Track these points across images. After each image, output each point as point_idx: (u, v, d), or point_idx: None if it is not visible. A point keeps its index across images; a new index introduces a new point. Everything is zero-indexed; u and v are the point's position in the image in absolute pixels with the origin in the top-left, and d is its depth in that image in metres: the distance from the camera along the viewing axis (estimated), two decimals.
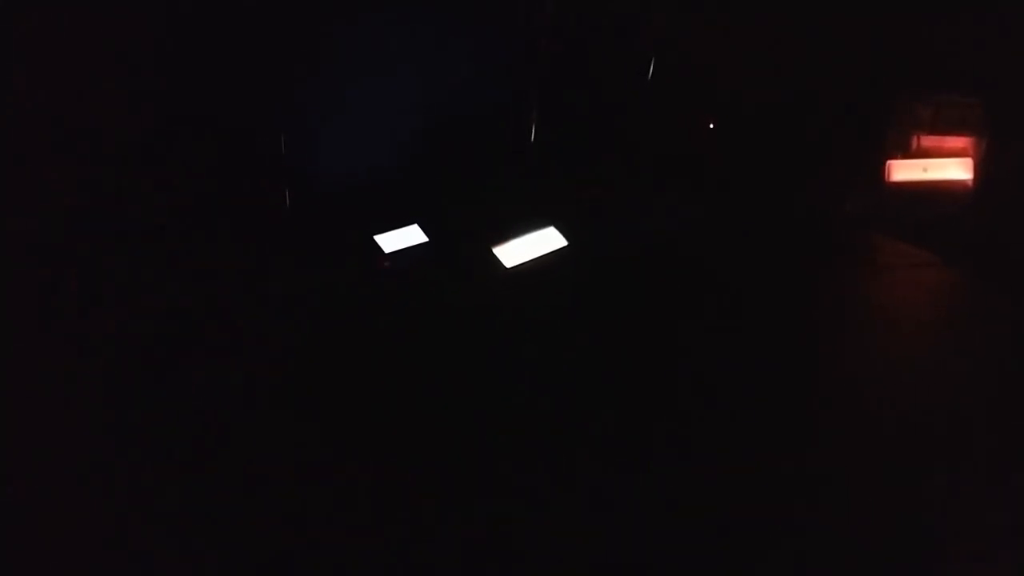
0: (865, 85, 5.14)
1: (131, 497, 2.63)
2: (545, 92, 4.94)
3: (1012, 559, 2.55)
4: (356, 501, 2.65)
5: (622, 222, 4.80)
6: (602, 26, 5.12)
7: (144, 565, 2.38)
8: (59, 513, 2.54)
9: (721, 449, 3.01)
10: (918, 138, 5.05)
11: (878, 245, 4.72)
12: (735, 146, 5.42)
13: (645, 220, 4.84)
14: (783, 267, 4.52)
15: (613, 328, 3.86)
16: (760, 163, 5.36)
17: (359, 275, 4.12)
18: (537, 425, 3.12)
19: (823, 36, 5.11)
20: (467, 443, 2.98)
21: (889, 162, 4.99)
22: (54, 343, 3.32)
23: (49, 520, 2.50)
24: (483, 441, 3.00)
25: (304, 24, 3.95)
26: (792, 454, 3.02)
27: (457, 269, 4.23)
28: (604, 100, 5.22)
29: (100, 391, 3.10)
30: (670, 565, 2.49)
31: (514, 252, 4.27)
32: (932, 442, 3.07)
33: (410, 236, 4.35)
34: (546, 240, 4.39)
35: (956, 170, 4.93)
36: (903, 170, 4.97)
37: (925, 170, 4.95)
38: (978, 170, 4.91)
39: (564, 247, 4.40)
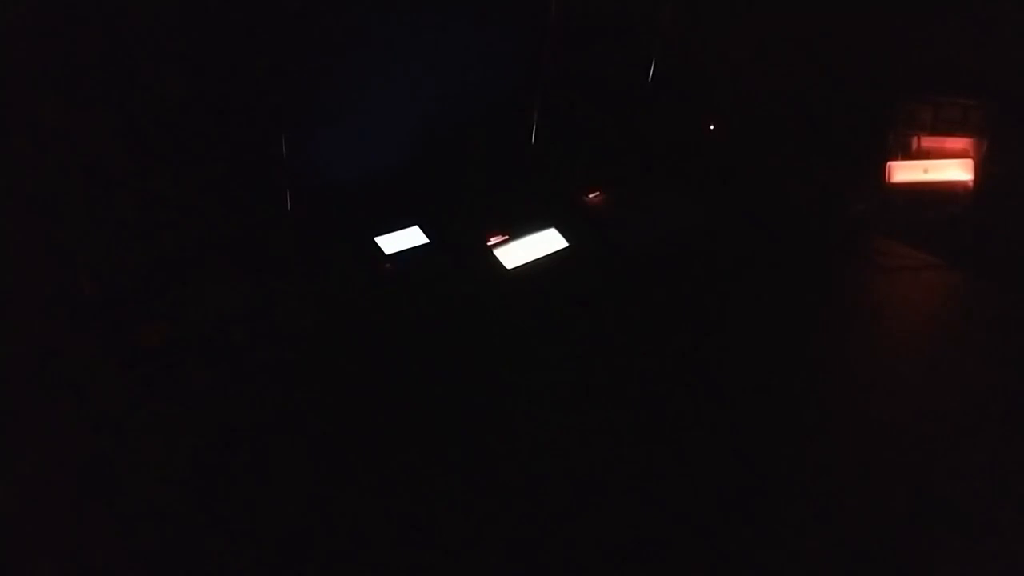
0: (865, 86, 5.15)
1: (131, 497, 2.62)
2: (546, 93, 4.93)
3: (1013, 559, 2.56)
4: (357, 502, 2.65)
5: (624, 223, 4.79)
6: (603, 27, 5.12)
7: (144, 565, 2.38)
8: (59, 513, 2.53)
9: (722, 450, 3.01)
10: (918, 139, 5.05)
11: (878, 246, 4.72)
12: (736, 147, 5.42)
13: (647, 221, 4.84)
14: (783, 268, 4.53)
15: (614, 329, 3.86)
16: (761, 164, 5.37)
17: (359, 276, 4.11)
18: (538, 426, 3.12)
19: (823, 37, 5.11)
20: (467, 444, 2.98)
21: (889, 163, 4.99)
22: (54, 343, 3.31)
23: (49, 520, 2.50)
24: (483, 442, 3.00)
25: (303, 24, 3.94)
26: (793, 454, 3.03)
27: (457, 270, 4.22)
28: (605, 101, 5.22)
29: (100, 391, 3.09)
30: (670, 565, 2.49)
31: (515, 253, 4.27)
32: (933, 443, 3.08)
33: (411, 238, 4.34)
34: (547, 241, 4.39)
35: (957, 171, 4.93)
36: (903, 171, 4.98)
37: (926, 171, 4.96)
38: (979, 171, 4.91)
39: (565, 248, 4.39)
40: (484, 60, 4.63)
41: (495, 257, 4.22)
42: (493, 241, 4.29)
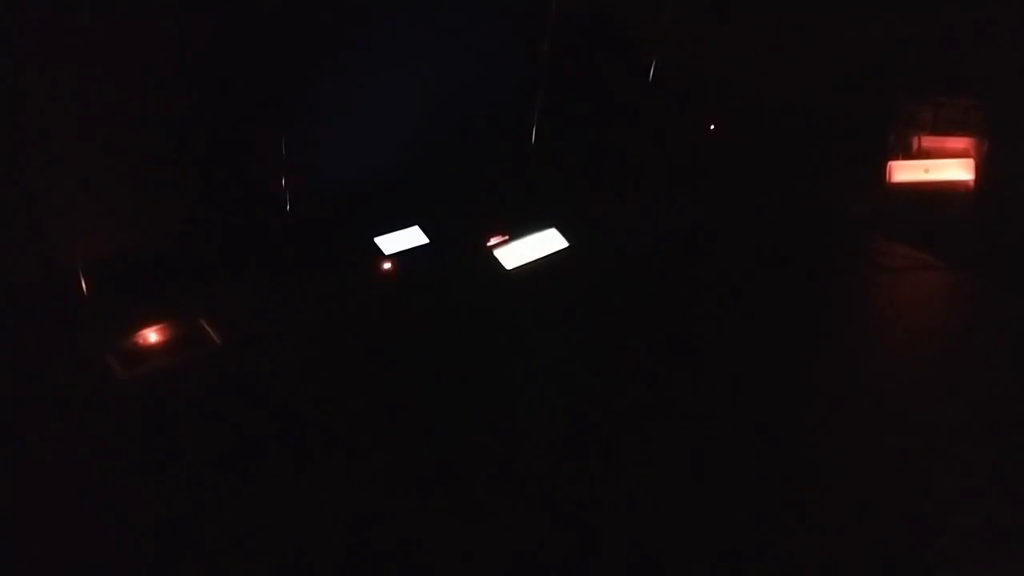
0: (866, 86, 5.15)
1: (131, 498, 2.62)
2: (546, 93, 4.93)
3: (1013, 560, 2.55)
4: (357, 502, 2.65)
5: (624, 224, 4.79)
6: (604, 27, 5.12)
7: (144, 565, 2.38)
8: (59, 513, 2.53)
9: (723, 450, 3.01)
10: (919, 139, 5.05)
11: (879, 246, 4.72)
12: (736, 147, 5.42)
13: (647, 222, 4.84)
14: (784, 269, 4.52)
15: (615, 330, 3.85)
16: (761, 164, 5.37)
17: (359, 276, 4.11)
18: (538, 426, 3.12)
19: (824, 37, 5.11)
20: (467, 445, 2.97)
21: (890, 163, 5.00)
22: (53, 343, 3.31)
23: (49, 520, 2.50)
24: (483, 443, 2.99)
25: (302, 25, 3.94)
26: (794, 455, 3.02)
27: (457, 270, 4.22)
28: (606, 101, 5.22)
29: (100, 392, 3.09)
30: (671, 564, 2.49)
31: (515, 254, 4.26)
32: (934, 443, 3.07)
33: (411, 238, 4.34)
34: (547, 241, 4.39)
35: (957, 171, 4.93)
36: (904, 171, 4.98)
37: (926, 171, 4.96)
38: (979, 171, 4.91)
39: (565, 248, 4.39)
40: (484, 60, 4.63)
41: (495, 257, 4.21)
42: (493, 241, 4.28)
